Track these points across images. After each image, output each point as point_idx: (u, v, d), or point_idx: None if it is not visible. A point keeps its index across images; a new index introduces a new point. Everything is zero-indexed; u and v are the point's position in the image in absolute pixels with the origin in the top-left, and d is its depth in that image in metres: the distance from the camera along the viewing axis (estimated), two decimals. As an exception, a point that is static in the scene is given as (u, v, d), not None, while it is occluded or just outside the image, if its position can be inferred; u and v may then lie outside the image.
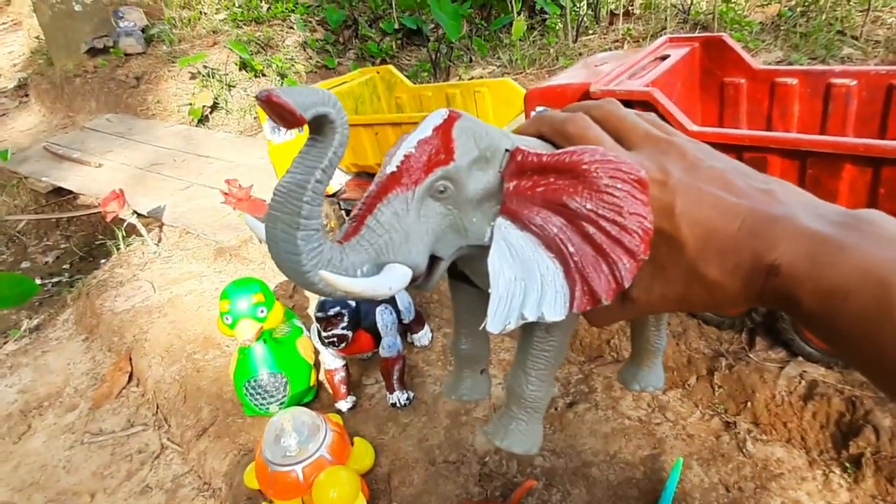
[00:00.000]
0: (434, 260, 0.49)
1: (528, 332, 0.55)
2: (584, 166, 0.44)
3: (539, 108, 1.66)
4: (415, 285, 0.50)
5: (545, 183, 0.46)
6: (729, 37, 1.68)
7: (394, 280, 0.45)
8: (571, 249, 0.44)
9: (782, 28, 2.89)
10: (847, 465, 1.36)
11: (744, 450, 1.45)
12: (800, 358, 1.51)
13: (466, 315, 0.66)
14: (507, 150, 0.48)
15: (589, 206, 0.43)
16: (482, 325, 0.47)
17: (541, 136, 0.52)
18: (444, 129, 0.46)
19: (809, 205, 0.40)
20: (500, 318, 0.46)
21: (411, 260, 0.46)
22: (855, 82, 1.53)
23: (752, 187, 0.41)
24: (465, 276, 0.59)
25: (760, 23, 2.98)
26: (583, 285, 0.44)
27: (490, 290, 0.46)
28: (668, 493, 1.34)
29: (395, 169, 0.46)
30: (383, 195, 0.46)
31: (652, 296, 0.45)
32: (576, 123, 0.48)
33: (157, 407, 2.02)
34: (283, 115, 0.38)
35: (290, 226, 0.41)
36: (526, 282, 0.46)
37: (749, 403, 1.51)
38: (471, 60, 3.72)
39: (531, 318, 0.44)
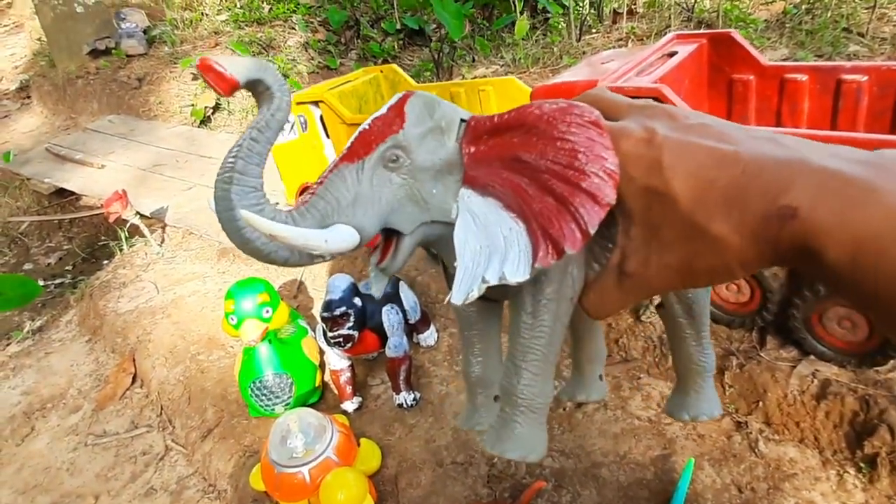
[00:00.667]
0: (397, 237, 0.49)
1: (515, 319, 0.51)
2: (535, 117, 0.43)
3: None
4: (380, 267, 0.50)
5: (500, 142, 0.45)
6: (737, 33, 1.67)
7: (332, 234, 0.45)
8: (531, 204, 0.43)
9: (787, 25, 2.87)
10: (861, 465, 1.34)
11: (756, 450, 1.43)
12: (812, 356, 1.49)
13: (475, 333, 0.62)
14: (463, 121, 0.48)
15: (545, 155, 0.42)
16: (446, 299, 0.46)
17: None
18: (398, 105, 0.47)
19: (822, 147, 0.35)
20: (463, 288, 0.44)
21: (356, 221, 0.46)
22: (866, 78, 1.51)
23: (752, 136, 0.38)
24: None
25: (765, 20, 2.97)
26: (544, 238, 0.42)
27: (456, 263, 0.45)
28: (680, 494, 1.32)
29: (349, 144, 0.47)
30: (336, 167, 0.47)
31: (651, 268, 0.40)
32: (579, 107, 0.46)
33: (161, 408, 2.00)
34: (216, 81, 0.41)
35: (225, 182, 0.42)
36: (490, 248, 0.44)
37: (761, 403, 1.50)
38: (473, 60, 3.71)
39: (492, 280, 0.43)
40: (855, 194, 0.30)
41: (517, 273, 0.42)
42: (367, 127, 0.47)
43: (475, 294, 0.44)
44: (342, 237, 0.45)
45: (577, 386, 0.74)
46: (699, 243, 0.37)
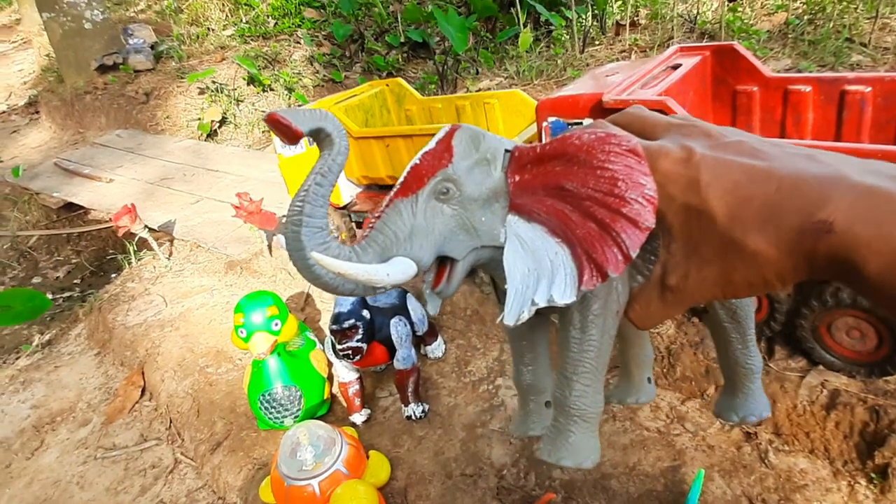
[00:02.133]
0: (451, 262, 0.52)
1: (564, 334, 0.54)
2: (576, 147, 0.45)
3: (551, 119, 1.66)
4: (435, 291, 0.53)
5: (543, 171, 0.48)
6: (740, 45, 1.68)
7: (392, 267, 0.48)
8: (575, 230, 0.45)
9: (790, 36, 2.89)
10: (873, 475, 1.34)
11: (766, 461, 1.43)
12: (821, 367, 1.49)
13: (524, 343, 0.65)
14: (507, 151, 0.50)
15: (585, 183, 0.44)
16: (499, 319, 0.48)
17: None
18: (446, 140, 0.50)
19: (857, 163, 0.37)
20: (514, 310, 0.47)
21: (414, 253, 0.49)
22: (870, 89, 1.52)
23: (787, 153, 0.39)
24: None
25: (768, 31, 2.99)
26: (588, 262, 0.45)
27: (506, 286, 0.48)
28: (691, 505, 1.32)
29: (402, 179, 0.50)
30: (391, 202, 0.50)
31: (690, 281, 0.42)
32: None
33: (171, 421, 2.01)
34: (284, 131, 0.45)
35: (295, 223, 0.46)
36: (538, 271, 0.47)
37: (770, 413, 1.49)
38: (477, 72, 3.74)
39: (541, 303, 0.46)
40: (893, 209, 0.32)
41: (564, 296, 0.45)
42: (417, 162, 0.50)
43: (525, 316, 0.47)
44: (401, 270, 0.49)
45: (626, 389, 0.76)
46: (736, 258, 0.39)
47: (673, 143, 0.42)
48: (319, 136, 0.47)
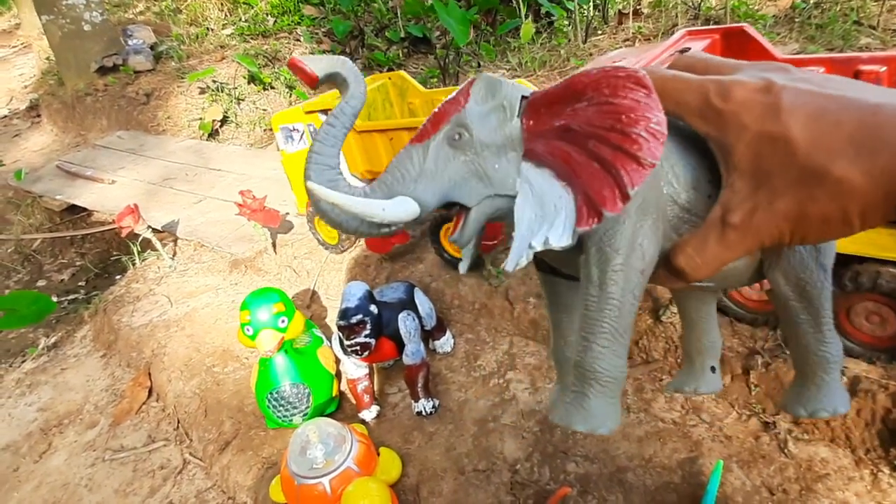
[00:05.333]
0: (465, 210, 0.51)
1: (583, 292, 0.50)
2: (583, 84, 0.44)
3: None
4: (450, 238, 0.52)
5: (554, 113, 0.47)
6: (750, 27, 1.65)
7: (391, 204, 0.48)
8: (578, 171, 0.44)
9: (797, 20, 2.85)
10: (896, 463, 1.31)
11: (785, 450, 1.40)
12: (839, 353, 1.46)
13: (565, 316, 0.61)
14: (524, 97, 0.49)
15: (590, 121, 0.43)
16: (503, 266, 0.49)
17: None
18: (465, 88, 0.50)
19: None
20: (514, 256, 0.46)
21: (418, 194, 0.49)
22: (885, 68, 1.48)
23: (883, 91, 0.36)
24: (555, 269, 0.58)
25: (774, 16, 2.94)
26: (585, 202, 0.43)
27: (513, 233, 0.47)
28: (710, 497, 1.29)
29: (420, 127, 0.51)
30: (405, 148, 0.50)
31: (758, 217, 0.39)
32: (649, 75, 0.44)
33: (178, 421, 1.99)
34: (302, 76, 0.48)
35: (308, 161, 0.48)
36: (542, 216, 0.46)
37: (788, 402, 1.46)
38: (479, 65, 3.71)
39: (538, 246, 0.45)
40: None
41: (560, 238, 0.44)
42: (437, 110, 0.50)
43: (524, 261, 0.46)
44: (401, 208, 0.48)
45: (687, 377, 0.71)
46: (816, 188, 0.36)
47: (748, 76, 0.40)
48: (336, 81, 0.49)
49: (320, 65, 0.48)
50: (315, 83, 0.48)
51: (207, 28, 5.38)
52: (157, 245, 2.77)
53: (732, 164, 0.40)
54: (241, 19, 5.31)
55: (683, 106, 0.43)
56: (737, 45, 1.67)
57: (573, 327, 0.59)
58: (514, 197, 0.49)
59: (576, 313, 0.57)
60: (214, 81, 4.40)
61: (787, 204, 0.38)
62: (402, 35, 4.23)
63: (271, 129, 3.88)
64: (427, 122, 0.50)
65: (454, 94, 0.51)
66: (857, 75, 1.52)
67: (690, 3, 3.27)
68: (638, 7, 3.58)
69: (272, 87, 4.37)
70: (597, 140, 0.43)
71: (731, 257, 0.42)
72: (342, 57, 0.49)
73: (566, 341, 0.61)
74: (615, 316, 0.48)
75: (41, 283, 3.48)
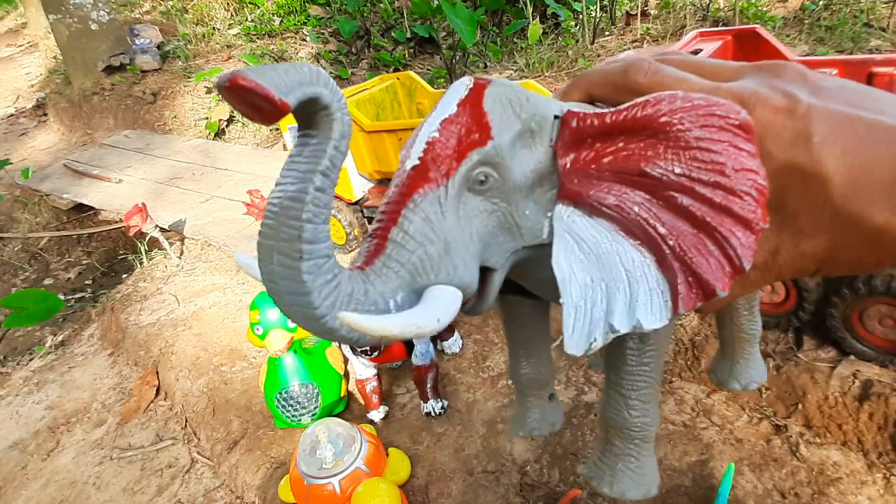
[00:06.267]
0: (485, 272, 0.40)
1: (619, 344, 0.46)
2: (664, 118, 0.33)
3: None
4: (464, 310, 0.40)
5: (613, 150, 0.36)
6: (762, 28, 1.64)
7: (441, 308, 0.35)
8: (662, 231, 0.35)
9: (806, 22, 2.84)
10: (910, 467, 1.30)
11: (797, 454, 1.39)
12: (851, 357, 1.45)
13: (521, 331, 0.57)
14: (556, 117, 0.38)
15: (678, 169, 0.34)
16: (554, 345, 0.40)
17: (592, 101, 0.41)
18: (473, 102, 0.37)
19: None
20: (580, 335, 0.36)
21: (458, 277, 0.36)
22: (898, 70, 1.47)
23: None
24: (515, 285, 0.48)
25: (783, 18, 2.93)
26: (686, 276, 0.34)
27: (561, 301, 0.37)
28: (722, 500, 1.28)
29: (417, 162, 0.36)
30: (407, 198, 0.36)
31: (782, 258, 0.35)
32: (642, 69, 0.36)
33: (186, 420, 1.99)
34: (258, 104, 0.27)
35: (291, 256, 0.31)
36: (607, 283, 0.36)
37: (800, 405, 1.46)
38: (486, 66, 3.71)
39: (623, 329, 0.35)
40: None
41: (654, 320, 0.35)
42: (435, 136, 0.37)
43: (599, 344, 0.36)
44: (451, 307, 0.36)
45: (731, 369, 0.68)
46: (851, 233, 0.32)
47: (766, 88, 0.33)
48: (312, 110, 0.31)
49: (284, 82, 0.28)
50: (282, 116, 0.28)
51: (214, 28, 5.39)
52: (165, 244, 2.77)
53: None
54: (247, 19, 5.32)
55: None
56: (749, 46, 1.67)
57: (533, 344, 0.57)
58: (540, 246, 0.39)
59: (536, 328, 0.55)
60: (221, 81, 4.41)
61: (816, 247, 0.34)
62: (409, 35, 4.23)
63: (278, 129, 3.89)
64: (424, 156, 0.36)
65: (454, 107, 0.37)
66: (870, 77, 1.52)
67: (699, 5, 3.26)
68: (645, 8, 3.57)
69: (278, 87, 4.37)
70: (692, 197, 0.34)
71: (749, 293, 0.40)
72: (311, 66, 0.30)
73: (527, 359, 0.58)
74: (654, 366, 0.46)
75: (48, 281, 3.49)
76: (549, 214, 0.39)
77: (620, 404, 0.46)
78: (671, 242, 0.34)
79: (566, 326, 0.37)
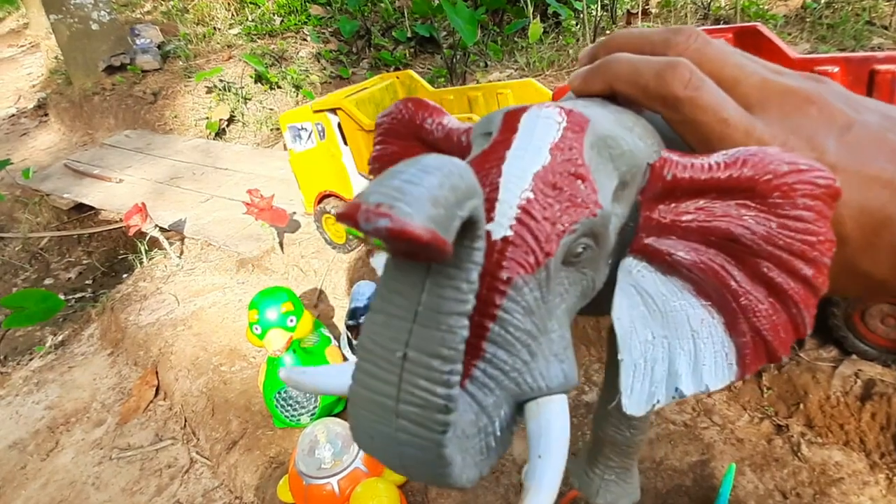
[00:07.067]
0: None
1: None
2: (766, 180, 0.31)
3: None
4: None
5: (702, 207, 0.33)
6: (764, 26, 1.63)
7: (559, 433, 0.32)
8: (739, 295, 0.33)
9: (808, 20, 2.83)
10: (912, 468, 1.29)
11: (799, 454, 1.38)
12: (853, 356, 1.44)
13: None
14: (648, 164, 0.34)
15: (769, 236, 0.32)
16: (611, 405, 0.39)
17: (615, 96, 0.37)
18: (571, 148, 0.32)
19: None
20: (641, 394, 0.34)
21: (561, 377, 0.32)
22: (901, 68, 1.46)
23: None
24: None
25: (784, 16, 2.92)
26: (755, 340, 0.33)
27: (620, 357, 0.35)
28: (723, 500, 1.27)
29: (509, 233, 0.30)
30: (507, 285, 0.29)
31: None
32: (683, 79, 0.33)
33: (185, 420, 1.99)
34: (416, 249, 0.21)
35: (427, 427, 0.25)
36: (670, 341, 0.34)
37: (801, 405, 1.45)
38: (486, 65, 3.70)
39: (689, 392, 0.33)
40: None
41: (718, 382, 0.33)
42: (530, 196, 0.30)
43: (662, 405, 0.34)
44: (565, 424, 0.32)
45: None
46: (852, 281, 0.33)
47: (793, 135, 0.32)
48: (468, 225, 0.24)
49: (441, 216, 0.21)
50: (442, 246, 0.21)
51: (214, 27, 5.39)
52: (165, 244, 2.77)
53: None
54: (247, 19, 5.32)
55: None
56: (751, 44, 1.66)
57: None
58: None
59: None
60: (221, 81, 4.41)
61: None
62: (409, 35, 4.23)
63: (278, 129, 3.89)
64: (521, 230, 0.30)
65: (549, 157, 0.31)
66: (872, 75, 1.51)
67: (700, 3, 3.25)
68: (646, 7, 3.56)
69: (279, 87, 4.37)
70: (775, 264, 0.32)
71: None
72: (455, 162, 0.23)
73: None
74: None
75: (48, 281, 3.49)
76: (608, 261, 0.36)
77: (623, 424, 0.46)
78: (743, 305, 0.33)
79: (625, 385, 0.35)
